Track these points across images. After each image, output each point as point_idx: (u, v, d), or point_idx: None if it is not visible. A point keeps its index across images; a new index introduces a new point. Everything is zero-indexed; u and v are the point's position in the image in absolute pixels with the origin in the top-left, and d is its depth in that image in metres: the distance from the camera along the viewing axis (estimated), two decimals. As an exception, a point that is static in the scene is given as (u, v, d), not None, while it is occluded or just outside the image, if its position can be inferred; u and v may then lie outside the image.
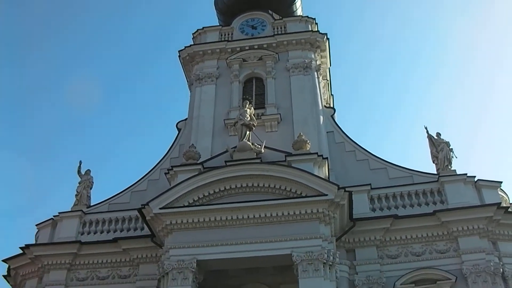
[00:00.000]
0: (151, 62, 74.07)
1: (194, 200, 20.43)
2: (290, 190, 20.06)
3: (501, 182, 23.31)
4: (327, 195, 19.54)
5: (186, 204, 20.36)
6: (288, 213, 19.61)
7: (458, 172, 22.99)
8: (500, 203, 22.01)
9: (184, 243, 19.84)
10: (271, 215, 19.67)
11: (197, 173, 21.01)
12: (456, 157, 23.63)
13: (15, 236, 56.01)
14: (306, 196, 19.76)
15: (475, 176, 22.93)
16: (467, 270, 20.44)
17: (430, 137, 24.24)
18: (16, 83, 63.91)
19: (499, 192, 23.25)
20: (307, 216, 19.61)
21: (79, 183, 25.64)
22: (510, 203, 24.18)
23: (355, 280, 20.72)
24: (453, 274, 20.47)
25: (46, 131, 67.29)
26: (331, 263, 19.09)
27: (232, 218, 19.85)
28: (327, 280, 18.84)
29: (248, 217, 19.78)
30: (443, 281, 20.45)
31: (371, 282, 20.60)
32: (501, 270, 20.68)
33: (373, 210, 22.43)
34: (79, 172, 25.94)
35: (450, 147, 23.73)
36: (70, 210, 24.79)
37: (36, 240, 25.11)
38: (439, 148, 23.68)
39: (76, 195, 25.33)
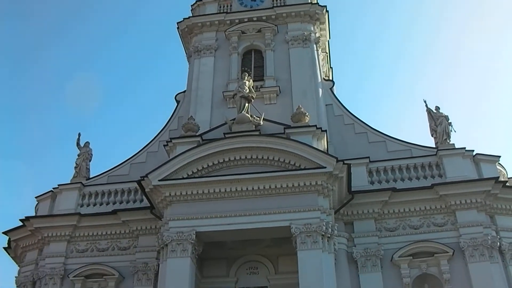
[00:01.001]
0: (150, 34, 73.61)
1: (193, 172, 20.47)
2: (289, 162, 20.08)
3: (500, 157, 23.38)
4: (325, 167, 19.59)
5: (185, 176, 20.41)
6: (287, 185, 19.68)
7: (456, 146, 22.99)
8: (498, 177, 22.07)
9: (183, 215, 19.97)
10: (270, 187, 19.74)
11: (196, 145, 21.00)
12: (455, 131, 23.69)
13: (15, 209, 56.28)
14: (305, 169, 19.80)
15: (473, 150, 22.96)
16: (465, 243, 20.56)
17: (429, 110, 24.18)
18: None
19: (498, 167, 23.33)
20: (306, 189, 19.70)
21: (78, 155, 25.67)
22: (508, 178, 24.26)
23: (353, 253, 20.85)
24: (451, 247, 20.58)
25: (41, 95, 67.34)
26: (329, 235, 19.25)
27: (231, 190, 19.93)
28: (325, 252, 19.01)
29: (247, 189, 19.86)
30: (441, 254, 20.55)
31: (369, 255, 20.74)
32: (498, 243, 20.85)
33: (372, 183, 22.49)
34: (78, 144, 25.93)
35: (449, 121, 23.69)
36: (69, 182, 24.82)
37: (36, 213, 25.21)
38: (438, 122, 23.64)
39: (75, 167, 25.36)
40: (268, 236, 20.51)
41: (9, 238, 25.36)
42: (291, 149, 20.05)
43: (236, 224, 19.59)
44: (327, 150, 21.86)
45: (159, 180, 20.28)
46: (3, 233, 25.14)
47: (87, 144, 25.92)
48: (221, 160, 20.52)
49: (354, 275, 20.56)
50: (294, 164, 20.03)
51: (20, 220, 24.13)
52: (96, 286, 22.20)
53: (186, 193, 20.10)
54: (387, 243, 21.11)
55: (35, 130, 66.62)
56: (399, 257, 20.65)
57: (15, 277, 24.61)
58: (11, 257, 26.27)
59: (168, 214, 20.28)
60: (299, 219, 19.19)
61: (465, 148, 22.81)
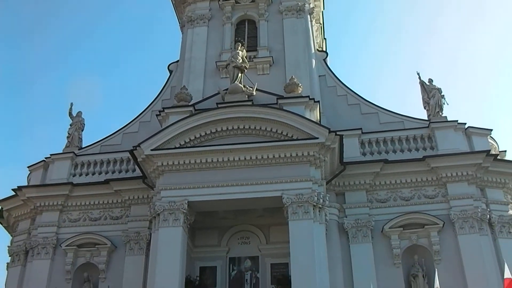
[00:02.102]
0: (143, 3, 72.84)
1: (185, 141, 20.46)
2: (281, 133, 20.08)
3: (491, 130, 23.51)
4: (318, 138, 19.61)
5: (178, 145, 20.40)
6: (279, 156, 19.71)
7: (449, 119, 23.02)
8: (490, 150, 22.19)
9: (175, 185, 20.01)
10: (262, 157, 19.78)
11: (188, 115, 20.96)
12: (448, 104, 23.68)
13: (7, 179, 56.21)
14: (297, 139, 19.81)
15: (465, 123, 23.02)
16: (455, 215, 20.73)
17: (422, 83, 24.17)
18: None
19: (489, 140, 23.46)
20: (298, 159, 19.72)
21: (71, 125, 25.59)
22: (500, 151, 24.42)
23: (344, 223, 20.99)
24: (441, 219, 20.75)
25: (36, 67, 66.88)
26: (320, 206, 19.37)
27: (223, 160, 19.94)
28: (317, 223, 19.15)
29: (239, 159, 19.88)
30: (431, 226, 20.71)
31: (360, 225, 20.89)
32: (488, 216, 21.06)
33: (364, 154, 22.54)
34: (70, 114, 25.83)
35: (442, 94, 23.69)
36: (61, 152, 24.78)
37: (28, 182, 25.26)
38: (431, 95, 23.64)
39: (67, 137, 25.30)
40: (260, 206, 20.63)
41: (1, 208, 25.43)
42: (284, 119, 20.04)
43: (228, 194, 19.64)
44: (320, 121, 21.83)
45: (151, 150, 20.26)
46: (-5, 202, 25.22)
47: (79, 114, 25.81)
48: (214, 130, 20.49)
49: (345, 245, 20.73)
50: (287, 134, 20.02)
51: (13, 189, 24.14)
52: (89, 255, 22.30)
53: (179, 162, 20.11)
54: (378, 214, 21.27)
55: (27, 100, 66.38)
56: (389, 228, 20.80)
57: (8, 246, 24.69)
58: (4, 226, 26.38)
59: (160, 183, 20.30)
60: (291, 189, 19.26)
61: (457, 121, 22.87)
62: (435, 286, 18.01)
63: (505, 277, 15.35)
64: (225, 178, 19.83)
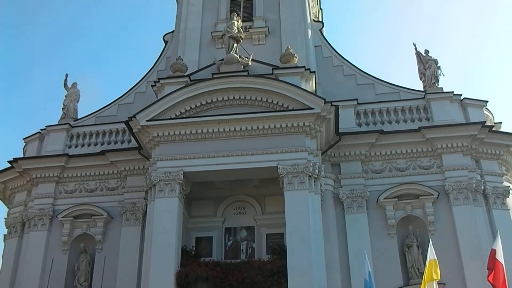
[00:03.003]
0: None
1: (181, 112, 20.42)
2: (277, 103, 20.05)
3: (487, 102, 23.52)
4: (313, 108, 19.59)
5: (173, 116, 20.36)
6: (275, 126, 19.71)
7: (445, 90, 22.98)
8: (485, 122, 22.22)
9: (171, 155, 20.04)
10: (258, 127, 19.77)
11: (184, 85, 20.83)
12: (444, 75, 23.68)
13: (3, 151, 56.25)
14: (292, 109, 19.79)
15: (461, 95, 23.02)
16: (450, 186, 20.82)
17: (418, 54, 24.09)
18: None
19: (484, 111, 23.49)
20: (293, 129, 19.74)
21: (66, 96, 25.49)
22: (495, 123, 24.46)
23: (339, 194, 21.09)
24: (436, 190, 20.85)
25: (31, 43, 66.39)
26: (316, 176, 19.42)
27: (218, 130, 19.95)
28: (312, 193, 19.23)
29: (235, 129, 19.88)
30: (426, 197, 20.83)
31: (355, 196, 20.99)
32: (482, 187, 21.17)
33: (359, 125, 22.54)
34: (65, 85, 25.73)
35: (438, 65, 23.65)
36: (57, 123, 24.75)
37: (24, 154, 25.25)
38: (427, 66, 23.59)
39: (62, 108, 25.26)
40: (256, 177, 20.70)
41: (-3, 180, 25.43)
42: (279, 90, 19.99)
43: (224, 165, 19.69)
44: (316, 92, 21.80)
45: (147, 121, 20.24)
46: (-9, 175, 25.21)
47: (74, 85, 25.73)
48: (209, 101, 20.44)
49: (340, 215, 20.85)
50: (282, 105, 20.00)
51: (8, 161, 24.10)
52: (85, 226, 22.39)
53: (174, 133, 20.11)
54: (373, 184, 21.34)
55: (22, 72, 65.97)
56: (384, 198, 20.91)
57: (5, 218, 24.84)
58: (0, 199, 26.37)
59: (156, 154, 20.33)
60: (286, 159, 19.31)
61: (453, 92, 22.84)
62: (429, 256, 18.12)
63: (492, 247, 15.52)
64: (221, 148, 19.84)
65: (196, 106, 20.48)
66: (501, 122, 25.31)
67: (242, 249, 21.27)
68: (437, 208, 20.69)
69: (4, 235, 24.49)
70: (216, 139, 20.02)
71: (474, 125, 21.72)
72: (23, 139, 25.58)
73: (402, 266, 20.19)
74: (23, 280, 21.84)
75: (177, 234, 19.15)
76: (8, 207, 25.54)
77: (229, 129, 19.91)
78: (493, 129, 22.66)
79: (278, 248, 19.97)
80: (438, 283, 16.78)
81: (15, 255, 22.98)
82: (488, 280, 16.14)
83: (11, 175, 24.59)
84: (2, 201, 26.38)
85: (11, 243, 23.54)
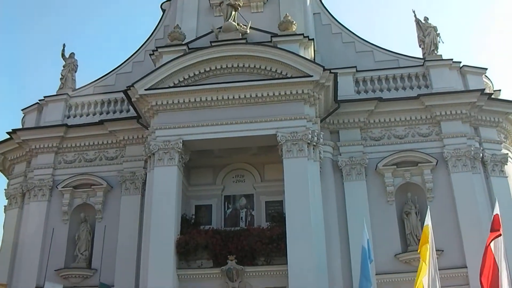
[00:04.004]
0: None
1: (179, 81, 20.36)
2: (276, 71, 19.97)
3: (486, 69, 23.49)
4: (312, 76, 19.53)
5: (172, 85, 20.31)
6: (273, 94, 19.68)
7: (444, 58, 22.87)
8: (484, 89, 22.18)
9: (170, 124, 20.03)
10: (256, 95, 19.74)
11: (182, 54, 20.72)
12: (443, 42, 23.51)
13: (1, 123, 56.16)
14: (291, 77, 19.74)
15: (460, 62, 22.94)
16: (448, 153, 20.86)
17: (417, 21, 23.89)
18: None
19: (484, 79, 23.45)
20: (292, 97, 19.71)
21: (64, 66, 25.34)
22: (494, 90, 24.43)
23: (338, 161, 21.12)
24: (434, 157, 20.88)
25: (28, 9, 65.77)
26: (315, 144, 19.46)
27: (217, 98, 19.90)
28: (311, 160, 19.28)
29: (234, 97, 19.84)
30: (424, 164, 20.86)
31: (354, 163, 21.02)
32: (481, 155, 21.20)
33: (358, 92, 22.47)
34: (63, 55, 25.57)
35: (437, 32, 23.48)
36: (55, 94, 24.64)
37: (22, 125, 25.22)
38: (426, 33, 23.42)
39: (60, 78, 25.10)
40: (255, 145, 20.73)
41: (-3, 152, 25.45)
42: (278, 57, 19.89)
43: (223, 133, 19.69)
44: (314, 59, 21.70)
45: (145, 90, 20.18)
46: (-10, 146, 25.22)
47: (72, 55, 25.55)
48: (208, 69, 20.35)
49: (339, 183, 20.91)
50: (281, 72, 19.92)
51: (7, 132, 24.12)
52: (85, 196, 22.47)
53: (173, 102, 20.07)
54: (372, 152, 21.36)
55: (19, 43, 65.56)
56: (383, 166, 20.94)
57: (4, 189, 24.88)
58: (0, 170, 26.42)
59: (155, 123, 20.31)
60: (285, 127, 19.32)
61: (452, 59, 22.74)
62: (427, 223, 18.20)
63: (494, 213, 15.49)
64: (220, 116, 19.83)
65: (194, 74, 20.39)
66: (500, 90, 25.31)
67: (242, 217, 21.39)
68: (435, 175, 20.73)
69: (5, 206, 24.62)
70: (214, 107, 19.98)
71: (473, 92, 21.66)
72: (22, 110, 25.53)
73: (401, 233, 20.30)
74: (24, 250, 21.96)
75: (176, 202, 19.26)
76: (8, 178, 25.60)
77: (228, 97, 19.86)
78: (492, 96, 22.63)
79: (277, 215, 20.15)
80: (436, 250, 16.86)
81: (15, 226, 23.07)
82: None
83: (10, 146, 24.60)
84: (1, 172, 26.43)
85: (12, 214, 23.65)
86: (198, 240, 19.00)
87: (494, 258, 14.44)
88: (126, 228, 21.25)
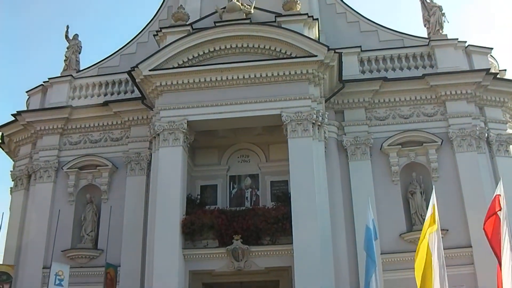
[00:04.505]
0: None
1: (183, 61, 20.29)
2: (280, 51, 19.89)
3: (492, 49, 23.33)
4: (316, 56, 19.45)
5: (176, 65, 20.24)
6: (278, 74, 19.61)
7: (449, 37, 22.74)
8: (489, 69, 22.07)
9: (174, 104, 20.02)
10: (261, 75, 19.67)
11: (186, 34, 20.64)
12: (448, 22, 23.37)
13: (6, 105, 56.20)
14: (295, 57, 19.65)
15: (466, 41, 22.80)
16: (453, 133, 20.83)
17: (422, 0, 23.72)
18: None
19: (489, 58, 23.30)
20: (297, 77, 19.64)
21: (67, 48, 25.29)
22: (499, 70, 24.29)
23: (343, 141, 21.10)
24: (439, 137, 20.85)
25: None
26: (319, 124, 19.44)
27: (222, 78, 19.85)
28: (316, 140, 19.28)
29: (238, 77, 19.78)
30: (429, 144, 20.84)
31: (358, 143, 21.00)
32: (486, 134, 21.18)
33: (363, 72, 22.40)
34: (66, 37, 25.52)
35: (442, 12, 23.30)
36: (59, 75, 24.59)
37: (27, 107, 25.27)
38: (431, 12, 23.25)
39: (64, 60, 25.06)
40: (259, 125, 20.71)
41: (2, 134, 25.50)
42: (282, 37, 19.80)
43: (227, 113, 19.68)
44: (319, 39, 21.54)
45: (149, 70, 20.14)
46: (-4, 128, 25.31)
47: (75, 36, 25.48)
48: (212, 49, 20.28)
49: (344, 163, 20.93)
50: (285, 52, 19.84)
51: (12, 115, 24.17)
52: (90, 177, 22.54)
53: (177, 82, 20.03)
54: (377, 132, 21.34)
55: (22, 25, 65.33)
56: (388, 145, 20.94)
57: (10, 171, 24.96)
58: (5, 152, 26.56)
59: (159, 104, 20.30)
60: (290, 107, 19.29)
61: (457, 39, 22.61)
62: (433, 202, 18.20)
63: (496, 193, 15.33)
64: (224, 97, 19.80)
65: (199, 54, 20.33)
66: (505, 70, 25.20)
67: (247, 197, 21.42)
68: (440, 155, 20.73)
69: (11, 188, 24.70)
70: (219, 88, 19.95)
71: (479, 72, 21.56)
72: (26, 92, 25.55)
73: (406, 212, 20.35)
74: (31, 231, 22.13)
75: (181, 182, 19.30)
76: (13, 160, 25.71)
77: (232, 77, 19.81)
78: (498, 76, 22.48)
79: (282, 195, 20.20)
80: (441, 229, 16.86)
81: (22, 208, 23.25)
82: (484, 229, 15.07)
83: (15, 128, 24.68)
84: (7, 154, 26.54)
85: (18, 196, 23.79)
86: (203, 220, 19.07)
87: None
88: (131, 209, 21.32)
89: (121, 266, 20.44)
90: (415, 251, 14.67)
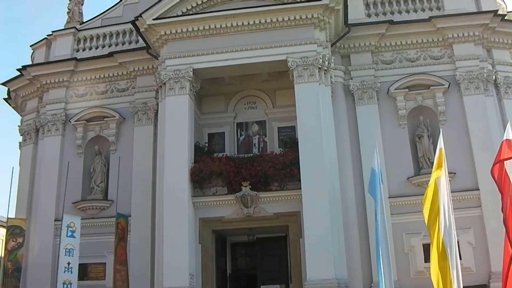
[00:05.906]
0: None
1: (187, 9, 20.04)
2: (285, -5, 19.62)
3: (500, -11, 22.92)
4: (321, 0, 19.22)
5: (180, 13, 20.00)
6: (283, 19, 19.38)
7: (456, -22, 22.36)
8: (497, 10, 21.61)
9: (179, 53, 19.87)
10: (266, 21, 19.44)
11: (190, -19, 20.36)
12: (455, -39, 22.86)
13: (11, 61, 55.90)
14: (300, 1, 19.37)
15: (473, -18, 22.39)
16: (460, 76, 20.62)
17: None
18: None
19: (497, 0, 22.87)
20: (302, 22, 19.41)
21: (70, 0, 25.07)
22: (508, 11, 23.88)
23: (349, 85, 20.94)
24: (447, 80, 20.65)
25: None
26: (326, 68, 19.31)
27: (226, 25, 19.63)
28: (322, 85, 19.18)
29: (243, 23, 19.55)
30: (436, 87, 20.65)
31: (365, 87, 20.83)
32: (494, 77, 20.95)
33: (369, 15, 22.03)
34: (69, -12, 25.26)
35: (449, -48, 22.82)
36: (63, 28, 24.44)
37: (32, 61, 25.15)
38: (438, -47, 22.79)
39: (67, 12, 24.78)
40: (265, 71, 20.57)
41: (8, 89, 25.50)
42: (287, -19, 19.50)
43: (233, 60, 19.51)
44: (324, -17, 21.23)
45: (153, 19, 19.90)
46: (1, 84, 25.25)
47: (77, -12, 25.22)
48: (216, -4, 20.04)
49: (351, 107, 20.80)
50: (290, -3, 19.56)
51: (17, 69, 24.06)
52: (98, 129, 22.60)
53: (182, 30, 19.84)
54: (384, 75, 21.12)
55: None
56: (395, 89, 20.77)
57: (18, 126, 25.06)
58: (13, 107, 26.63)
59: (164, 52, 20.17)
60: (296, 52, 19.12)
61: (464, -20, 22.20)
62: (440, 146, 18.15)
63: (505, 138, 15.08)
64: (229, 43, 19.61)
65: (203, 2, 20.06)
66: (514, 11, 24.78)
67: (254, 144, 21.47)
68: (447, 98, 20.55)
69: (19, 142, 24.89)
70: (224, 35, 19.75)
71: (486, 13, 21.16)
72: (30, 46, 25.40)
73: (413, 156, 20.33)
74: (41, 185, 22.30)
75: (189, 131, 19.33)
76: (21, 115, 25.73)
77: (237, 24, 19.58)
78: (506, 18, 22.02)
79: (289, 141, 20.21)
80: (448, 172, 16.85)
81: (31, 162, 23.35)
82: (492, 173, 14.56)
83: (21, 83, 24.61)
84: (14, 109, 26.60)
85: (27, 150, 23.89)
86: (212, 168, 19.16)
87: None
88: (140, 159, 21.41)
89: (132, 216, 20.60)
90: (422, 195, 14.66)
